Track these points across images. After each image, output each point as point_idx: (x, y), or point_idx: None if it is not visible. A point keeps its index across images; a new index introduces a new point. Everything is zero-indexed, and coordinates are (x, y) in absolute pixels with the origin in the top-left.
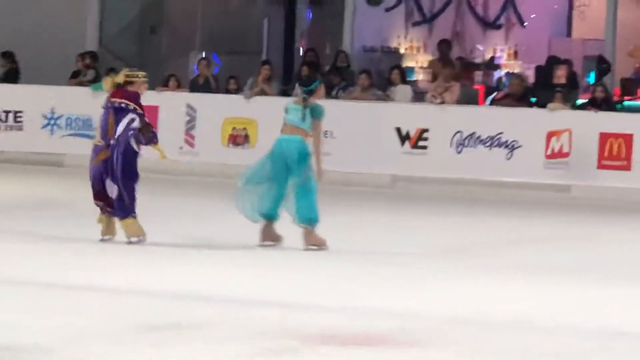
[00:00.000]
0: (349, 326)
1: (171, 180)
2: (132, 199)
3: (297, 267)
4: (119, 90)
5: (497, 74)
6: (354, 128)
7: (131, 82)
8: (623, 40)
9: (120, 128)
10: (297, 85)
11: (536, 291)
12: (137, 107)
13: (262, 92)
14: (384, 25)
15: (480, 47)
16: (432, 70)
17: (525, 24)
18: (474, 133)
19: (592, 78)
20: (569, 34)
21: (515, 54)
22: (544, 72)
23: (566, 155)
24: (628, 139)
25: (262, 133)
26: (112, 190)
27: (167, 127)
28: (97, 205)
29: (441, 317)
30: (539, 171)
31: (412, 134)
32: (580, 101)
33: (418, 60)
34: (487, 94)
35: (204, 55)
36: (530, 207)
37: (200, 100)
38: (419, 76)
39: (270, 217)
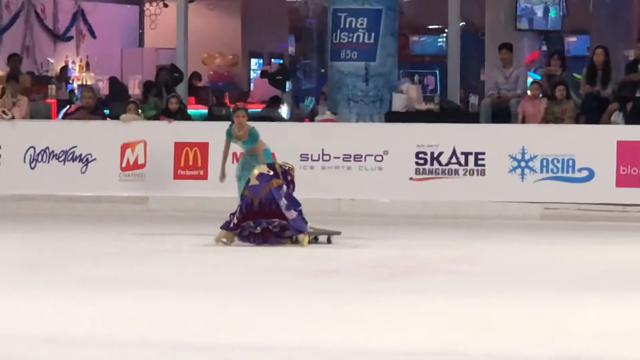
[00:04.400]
0: None
1: None
2: None
3: None
4: None
5: (70, 86)
6: None
7: None
8: (195, 48)
9: None
10: None
11: (106, 305)
12: None
13: None
14: None
15: (51, 60)
16: (1, 86)
17: (96, 35)
18: (47, 148)
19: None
20: (141, 44)
21: (87, 65)
22: (118, 83)
23: (142, 166)
24: (204, 147)
25: None
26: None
27: None
28: None
29: (16, 336)
30: (114, 184)
31: None
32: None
33: None
34: (61, 107)
35: None
36: (107, 221)
37: None
38: None
39: None
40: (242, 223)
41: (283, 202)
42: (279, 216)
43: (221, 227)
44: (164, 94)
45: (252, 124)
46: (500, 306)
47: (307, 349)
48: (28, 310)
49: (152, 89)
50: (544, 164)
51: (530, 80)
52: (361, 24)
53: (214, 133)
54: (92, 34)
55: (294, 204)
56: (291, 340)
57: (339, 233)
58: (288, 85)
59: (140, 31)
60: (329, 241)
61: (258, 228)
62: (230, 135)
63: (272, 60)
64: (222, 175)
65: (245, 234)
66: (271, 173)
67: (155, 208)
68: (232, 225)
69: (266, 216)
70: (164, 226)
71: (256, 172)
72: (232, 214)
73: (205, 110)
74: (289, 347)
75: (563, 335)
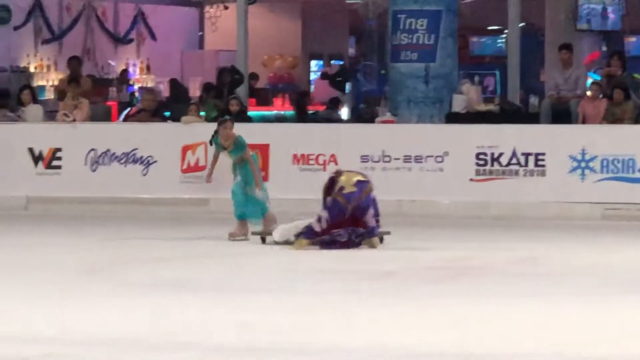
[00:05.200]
0: None
1: None
2: None
3: None
4: None
5: (130, 89)
6: None
7: None
8: (255, 50)
9: None
10: None
11: (164, 308)
12: None
13: None
14: (13, 44)
15: (112, 63)
16: (61, 89)
17: (156, 38)
18: (108, 150)
19: None
20: (201, 46)
21: (148, 68)
22: (178, 85)
23: (202, 168)
24: (264, 149)
25: None
26: None
27: None
28: None
29: (74, 340)
30: (175, 186)
31: (45, 154)
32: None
33: (49, 79)
34: (121, 110)
35: None
36: (168, 223)
37: None
38: (51, 95)
39: None
40: (331, 230)
41: (371, 210)
42: (363, 224)
43: (304, 237)
44: (224, 96)
45: (315, 125)
46: (563, 307)
47: (364, 350)
48: (88, 314)
49: (211, 90)
50: (605, 164)
51: (590, 80)
52: (421, 25)
53: (274, 135)
54: (153, 36)
55: (377, 212)
56: (350, 341)
57: (388, 233)
58: (348, 86)
59: (201, 33)
60: (381, 240)
61: (345, 236)
62: (218, 145)
63: (332, 61)
64: (209, 176)
65: (330, 241)
66: (366, 179)
67: (217, 210)
68: (318, 232)
69: (354, 224)
70: (225, 228)
71: (354, 179)
72: (307, 226)
73: (263, 112)
74: (349, 349)
75: (626, 336)
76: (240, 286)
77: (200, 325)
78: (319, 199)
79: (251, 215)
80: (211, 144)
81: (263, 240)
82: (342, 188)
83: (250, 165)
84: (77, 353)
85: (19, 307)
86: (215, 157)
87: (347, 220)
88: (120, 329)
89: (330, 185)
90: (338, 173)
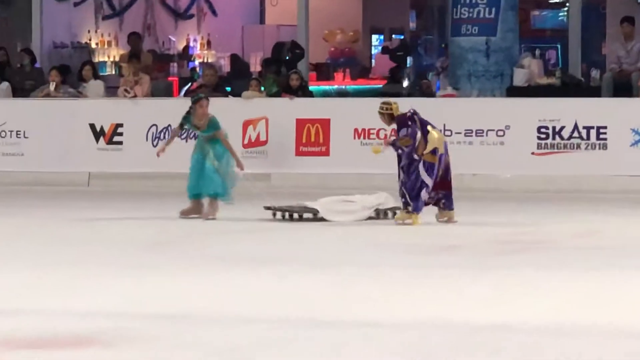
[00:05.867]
0: (37, 328)
1: None
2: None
3: None
4: None
5: (191, 64)
6: (47, 126)
7: None
8: (316, 24)
9: None
10: None
11: (231, 282)
12: None
13: None
14: (73, 20)
15: (173, 38)
16: (121, 64)
17: (217, 13)
18: (169, 126)
19: None
20: (262, 21)
21: (209, 43)
22: (239, 60)
23: (264, 143)
24: (325, 124)
25: None
26: None
27: None
28: None
29: (142, 314)
30: None
31: (107, 129)
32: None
33: (110, 55)
34: (182, 85)
35: None
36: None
37: None
38: (111, 71)
39: None
40: (431, 192)
41: (451, 172)
42: (449, 185)
43: (417, 212)
44: (282, 71)
45: (376, 100)
46: (624, 281)
47: (428, 324)
48: (154, 288)
49: (271, 65)
50: None
51: None
52: None
53: (335, 109)
54: (213, 11)
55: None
56: (414, 315)
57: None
58: (409, 60)
59: (261, 8)
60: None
61: (434, 198)
62: (189, 124)
63: (393, 36)
64: (162, 150)
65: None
66: (445, 140)
67: (278, 185)
68: (426, 201)
69: (443, 187)
70: (286, 203)
71: (437, 136)
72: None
73: (324, 87)
74: (412, 322)
75: None
76: (304, 260)
77: (265, 298)
78: (379, 173)
79: (205, 190)
80: (182, 127)
81: (274, 215)
82: (435, 150)
83: (226, 144)
84: (145, 327)
85: (85, 282)
86: (174, 135)
87: (439, 183)
88: (186, 303)
89: (407, 122)
90: (417, 116)
